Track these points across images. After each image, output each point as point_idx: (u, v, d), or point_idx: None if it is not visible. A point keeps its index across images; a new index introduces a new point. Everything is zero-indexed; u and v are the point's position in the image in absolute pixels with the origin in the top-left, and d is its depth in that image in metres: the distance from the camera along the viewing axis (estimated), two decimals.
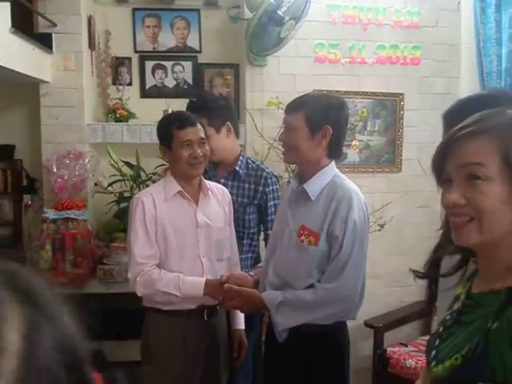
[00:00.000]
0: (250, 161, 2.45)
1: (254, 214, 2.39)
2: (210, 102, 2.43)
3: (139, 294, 1.97)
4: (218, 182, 2.27)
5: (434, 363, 1.01)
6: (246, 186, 2.34)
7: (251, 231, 2.40)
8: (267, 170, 2.43)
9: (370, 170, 3.39)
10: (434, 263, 1.38)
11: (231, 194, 2.22)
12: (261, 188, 2.33)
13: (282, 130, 1.90)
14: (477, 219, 0.91)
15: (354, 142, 3.23)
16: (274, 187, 2.39)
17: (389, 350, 3.00)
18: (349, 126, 3.14)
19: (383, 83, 3.33)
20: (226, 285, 1.87)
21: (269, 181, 2.36)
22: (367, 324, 3.17)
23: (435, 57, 3.38)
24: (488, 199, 0.89)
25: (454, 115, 1.28)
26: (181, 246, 1.98)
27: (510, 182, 0.88)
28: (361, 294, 1.78)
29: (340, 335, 1.85)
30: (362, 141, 3.34)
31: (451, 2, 3.36)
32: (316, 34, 3.20)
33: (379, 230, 2.98)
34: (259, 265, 2.19)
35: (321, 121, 1.75)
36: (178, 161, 1.96)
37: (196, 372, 2.00)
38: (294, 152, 1.82)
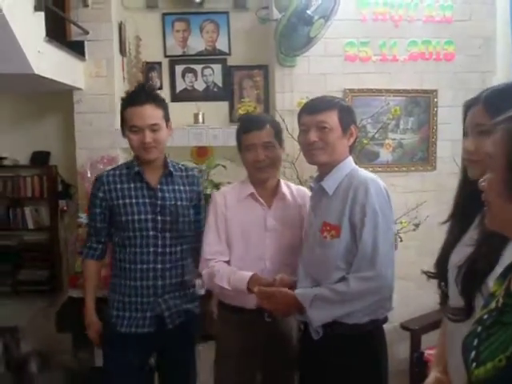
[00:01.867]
0: (172, 161, 2.18)
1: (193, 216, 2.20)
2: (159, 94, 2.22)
3: (206, 287, 2.07)
4: (154, 190, 2.05)
5: (474, 365, 0.97)
6: (182, 188, 2.13)
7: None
8: (195, 169, 2.38)
9: (404, 168, 3.33)
10: (441, 261, 1.34)
11: (169, 199, 2.06)
12: (196, 188, 2.17)
13: (309, 132, 1.82)
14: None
15: (386, 141, 3.18)
16: (202, 186, 2.30)
17: (426, 352, 2.93)
18: (381, 124, 3.13)
19: (416, 80, 3.27)
20: (256, 287, 1.84)
21: (200, 180, 2.27)
22: (403, 326, 3.11)
23: (469, 51, 3.29)
24: (490, 188, 0.96)
25: (495, 100, 1.24)
26: (247, 246, 2.01)
27: (506, 170, 0.93)
28: (393, 286, 1.76)
29: (376, 337, 1.81)
30: (394, 139, 3.28)
31: None
32: (346, 33, 3.17)
33: (414, 229, 2.91)
34: None
35: (349, 120, 1.83)
36: (246, 164, 2.03)
37: (254, 370, 2.03)
38: (328, 151, 1.81)
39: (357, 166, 1.87)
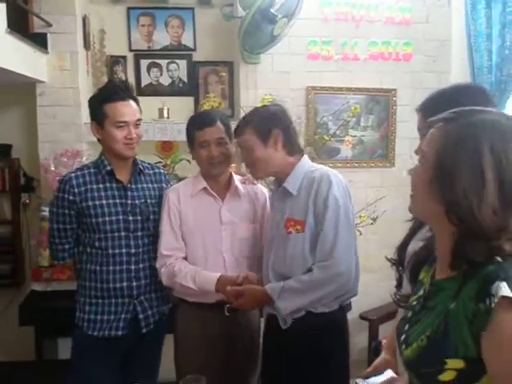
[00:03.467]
0: (138, 160, 2.14)
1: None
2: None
3: (165, 284, 2.05)
4: (125, 189, 2.03)
5: (403, 347, 1.07)
6: (150, 185, 2.12)
7: None
8: (160, 167, 2.38)
9: (364, 165, 3.44)
10: (402, 247, 1.46)
11: (139, 197, 2.05)
12: (164, 185, 2.16)
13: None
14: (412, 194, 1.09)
15: (346, 138, 3.28)
16: (172, 183, 2.27)
17: (383, 341, 3.04)
18: (341, 121, 3.23)
19: (376, 79, 3.38)
20: (228, 287, 1.90)
21: (167, 177, 2.26)
22: (362, 317, 3.23)
23: (426, 52, 3.42)
24: (416, 176, 1.06)
25: (431, 107, 1.36)
26: (204, 241, 2.04)
27: (433, 171, 1.00)
28: (356, 268, 1.84)
29: (342, 324, 1.90)
30: (355, 136, 3.39)
31: None
32: (309, 32, 3.25)
33: (372, 223, 3.02)
34: None
35: (268, 127, 1.86)
36: (199, 161, 2.06)
37: (216, 367, 2.02)
38: (258, 166, 1.90)
39: (313, 164, 1.93)
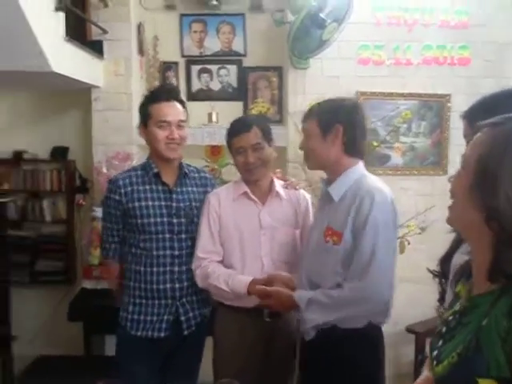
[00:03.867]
0: (184, 163, 2.19)
1: None
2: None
3: (199, 285, 2.06)
4: (171, 192, 2.07)
5: (435, 363, 1.03)
6: (195, 189, 2.15)
7: None
8: (206, 171, 2.37)
9: (415, 172, 3.34)
10: (445, 259, 1.40)
11: (184, 201, 2.08)
12: (209, 189, 2.17)
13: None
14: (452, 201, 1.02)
15: (396, 145, 3.20)
16: (217, 187, 2.26)
17: None
18: (391, 127, 3.15)
19: (429, 84, 3.28)
20: (258, 286, 1.90)
21: (213, 181, 2.27)
22: (409, 330, 3.13)
23: (485, 56, 3.29)
24: (456, 182, 1.01)
25: (477, 114, 1.31)
26: (242, 245, 2.04)
27: (473, 177, 0.96)
28: (390, 296, 1.75)
29: (372, 339, 1.81)
30: (406, 143, 3.30)
31: (502, 1, 3.26)
32: (360, 36, 3.20)
33: (420, 233, 2.93)
34: None
35: (331, 121, 1.79)
36: (237, 166, 2.08)
37: (253, 373, 2.02)
38: (312, 157, 1.86)
39: (367, 173, 1.84)
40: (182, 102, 2.09)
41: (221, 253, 2.07)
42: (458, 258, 1.37)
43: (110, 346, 3.15)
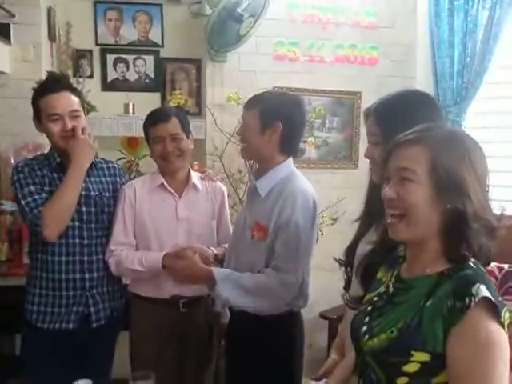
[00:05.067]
0: None
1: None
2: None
3: (114, 273, 2.04)
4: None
5: (367, 337, 1.12)
6: (103, 179, 2.10)
7: None
8: (114, 161, 2.30)
9: (328, 166, 3.49)
10: (350, 249, 1.50)
11: (93, 190, 2.03)
12: (118, 179, 2.14)
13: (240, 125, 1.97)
14: (406, 216, 1.08)
15: (310, 139, 3.32)
16: (127, 177, 2.24)
17: None
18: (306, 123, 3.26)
19: (341, 82, 3.42)
20: (178, 245, 1.93)
21: (122, 171, 2.22)
22: (322, 315, 3.27)
23: (392, 57, 3.48)
24: (413, 197, 1.06)
25: (384, 110, 1.40)
26: (159, 236, 2.04)
27: (433, 185, 1.05)
28: (303, 286, 1.82)
29: (290, 324, 1.88)
30: (320, 137, 3.43)
31: (407, 4, 3.47)
32: (276, 32, 3.27)
33: (332, 223, 3.07)
34: (225, 245, 2.15)
35: (272, 117, 1.80)
36: (154, 156, 2.07)
37: (171, 363, 2.05)
38: (247, 147, 1.89)
39: (295, 171, 1.87)
40: (74, 90, 1.99)
41: (133, 244, 2.05)
42: (361, 249, 1.46)
43: (20, 346, 3.01)
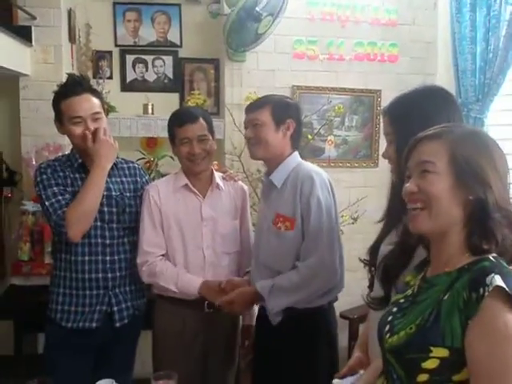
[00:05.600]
0: None
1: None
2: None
3: (144, 282, 2.07)
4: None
5: (388, 335, 1.11)
6: (124, 179, 2.11)
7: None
8: (134, 161, 2.30)
9: (348, 164, 3.46)
10: (373, 249, 1.49)
11: (115, 190, 2.04)
12: (139, 179, 2.15)
13: (247, 130, 1.99)
14: (427, 207, 1.07)
15: (329, 137, 3.29)
16: (147, 177, 2.24)
17: None
18: (325, 121, 3.24)
19: (361, 80, 3.39)
20: (219, 300, 1.93)
21: (142, 171, 2.21)
22: (343, 315, 3.24)
23: (412, 54, 3.44)
24: (434, 187, 1.07)
25: (397, 109, 1.39)
26: (183, 237, 2.05)
27: (453, 176, 1.06)
28: (341, 265, 1.90)
29: (327, 315, 1.96)
30: (339, 136, 3.40)
31: (428, 1, 3.43)
32: (295, 31, 3.26)
33: (352, 223, 3.04)
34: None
35: (284, 115, 1.93)
36: (180, 157, 2.07)
37: (195, 363, 2.05)
38: (262, 146, 1.94)
39: (302, 160, 1.98)
40: (94, 92, 2.01)
41: (164, 244, 2.06)
42: (383, 249, 1.45)
43: (43, 345, 3.05)
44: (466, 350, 0.96)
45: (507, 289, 0.94)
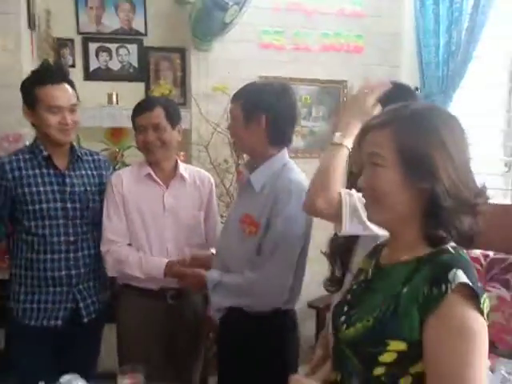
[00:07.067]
0: (76, 146, 2.09)
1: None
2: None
3: (109, 272, 2.04)
4: (63, 175, 1.97)
5: (344, 326, 1.10)
6: (90, 172, 2.06)
7: None
8: (99, 153, 2.27)
9: (315, 155, 3.46)
10: (333, 240, 1.52)
11: (78, 185, 2.00)
12: (104, 172, 2.11)
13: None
14: (378, 201, 1.05)
15: (296, 128, 3.29)
16: (112, 170, 2.20)
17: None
18: None
19: (327, 71, 3.40)
20: (176, 268, 1.93)
21: (107, 164, 2.18)
22: (310, 305, 3.28)
23: (377, 45, 3.47)
24: (382, 182, 1.03)
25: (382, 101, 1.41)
26: (146, 227, 2.02)
27: (402, 167, 1.02)
28: (293, 288, 1.78)
29: (280, 319, 1.81)
30: (306, 127, 3.41)
31: None
32: (261, 21, 3.23)
33: None
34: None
35: (255, 109, 1.74)
36: (138, 146, 2.06)
37: (160, 355, 2.03)
38: (237, 141, 1.87)
39: (288, 162, 1.82)
40: (71, 83, 1.97)
41: (128, 234, 2.03)
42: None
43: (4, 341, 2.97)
44: (424, 345, 0.95)
45: (471, 284, 0.93)
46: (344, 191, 1.40)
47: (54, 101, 1.88)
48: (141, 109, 2.02)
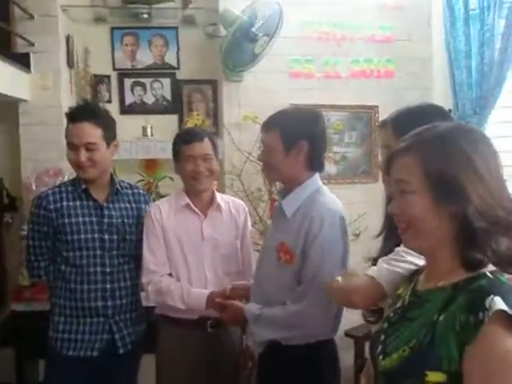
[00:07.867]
0: (118, 179, 2.18)
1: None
2: (105, 112, 2.10)
3: (151, 302, 2.06)
4: (102, 207, 2.03)
5: (381, 357, 1.06)
6: (128, 205, 2.11)
7: None
8: (140, 187, 2.34)
9: (348, 181, 3.45)
10: (374, 263, 1.49)
11: (116, 217, 2.04)
12: (143, 205, 2.15)
13: (261, 149, 1.93)
14: (412, 228, 1.02)
15: (329, 154, 3.29)
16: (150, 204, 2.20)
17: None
18: None
19: (358, 96, 3.41)
20: (217, 299, 1.92)
21: (147, 197, 2.22)
22: (347, 334, 3.21)
23: (408, 70, 3.46)
24: (412, 209, 1.01)
25: (403, 122, 1.39)
26: (185, 256, 2.04)
27: (431, 192, 0.99)
28: (336, 315, 1.75)
29: (320, 352, 1.77)
30: (338, 153, 3.41)
31: (422, 17, 3.46)
32: (291, 50, 3.28)
33: (354, 239, 3.02)
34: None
35: (295, 137, 1.74)
36: (183, 175, 2.07)
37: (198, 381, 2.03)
38: (273, 171, 1.84)
39: (322, 187, 1.81)
40: (98, 121, 1.97)
41: (168, 264, 2.05)
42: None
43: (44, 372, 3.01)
44: (465, 377, 0.90)
45: (509, 311, 0.88)
46: (371, 271, 1.40)
47: (69, 138, 1.98)
48: (190, 139, 2.05)
